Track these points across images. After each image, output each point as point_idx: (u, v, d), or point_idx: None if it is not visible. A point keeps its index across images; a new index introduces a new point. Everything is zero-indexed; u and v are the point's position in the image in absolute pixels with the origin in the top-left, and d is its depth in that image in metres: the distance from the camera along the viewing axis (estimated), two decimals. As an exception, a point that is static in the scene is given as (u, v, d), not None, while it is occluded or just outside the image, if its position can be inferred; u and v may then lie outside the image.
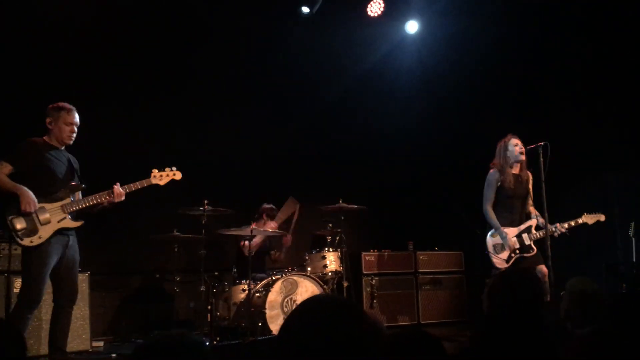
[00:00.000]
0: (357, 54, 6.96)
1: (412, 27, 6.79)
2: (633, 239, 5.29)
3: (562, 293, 2.71)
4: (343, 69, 7.01)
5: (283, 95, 6.86)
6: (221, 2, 6.21)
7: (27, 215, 3.58)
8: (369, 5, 6.54)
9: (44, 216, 3.64)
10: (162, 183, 4.10)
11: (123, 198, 3.91)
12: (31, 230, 3.60)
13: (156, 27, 6.05)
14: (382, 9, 6.54)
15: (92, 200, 3.84)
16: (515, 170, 4.79)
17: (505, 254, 4.71)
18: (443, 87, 7.31)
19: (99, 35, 5.75)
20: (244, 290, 5.14)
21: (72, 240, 3.84)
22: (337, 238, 5.82)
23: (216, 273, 5.59)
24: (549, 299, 3.95)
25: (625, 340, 1.51)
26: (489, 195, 4.80)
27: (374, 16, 6.58)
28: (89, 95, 5.50)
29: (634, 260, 5.26)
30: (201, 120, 6.36)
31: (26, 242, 3.58)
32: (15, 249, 4.54)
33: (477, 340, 2.04)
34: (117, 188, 3.87)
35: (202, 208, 5.09)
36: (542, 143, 4.36)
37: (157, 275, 5.95)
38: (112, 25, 5.80)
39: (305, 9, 6.44)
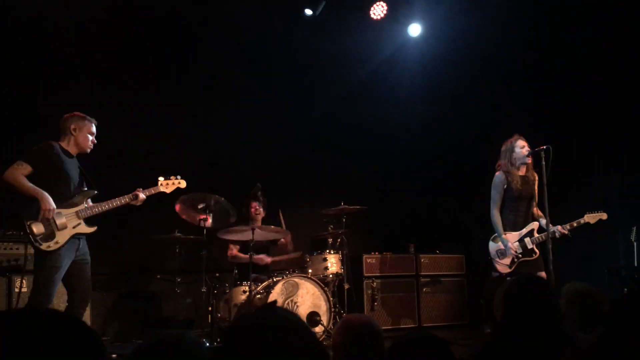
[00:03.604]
0: (359, 56, 6.96)
1: (415, 29, 6.79)
2: (635, 243, 5.27)
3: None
4: (346, 71, 7.01)
5: (285, 97, 6.87)
6: (225, 4, 6.22)
7: (45, 220, 3.60)
8: (372, 8, 6.54)
9: (61, 221, 3.66)
10: (168, 191, 4.27)
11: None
12: (48, 235, 3.61)
13: (160, 29, 6.06)
14: (385, 12, 6.54)
15: (113, 203, 3.93)
16: (522, 171, 4.74)
17: (507, 260, 4.69)
18: (446, 90, 7.31)
19: (102, 36, 5.77)
20: (244, 291, 5.13)
21: (83, 243, 3.87)
22: (339, 240, 5.82)
23: (217, 274, 5.60)
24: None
25: (632, 345, 1.50)
26: (496, 197, 4.75)
27: (377, 19, 6.58)
28: (93, 97, 5.52)
29: (636, 264, 5.24)
30: (203, 121, 6.37)
31: (44, 246, 3.59)
32: (17, 249, 4.56)
33: (493, 345, 2.03)
34: (141, 193, 4.04)
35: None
36: (544, 147, 4.33)
37: (158, 276, 5.95)
38: (116, 27, 5.81)
39: (309, 11, 6.44)
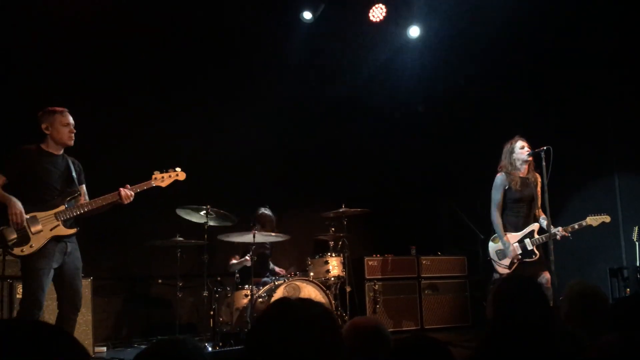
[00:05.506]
0: (359, 58, 6.97)
1: (414, 32, 6.80)
2: (637, 243, 5.26)
3: (561, 297, 2.69)
4: (345, 74, 7.02)
5: (285, 100, 6.87)
6: (224, 6, 6.23)
7: (15, 225, 3.54)
8: (371, 10, 6.55)
9: (35, 226, 3.59)
10: (163, 185, 4.02)
11: (131, 199, 3.85)
12: (22, 240, 3.56)
13: (158, 30, 6.06)
14: (384, 14, 6.54)
15: (96, 203, 3.78)
16: (523, 172, 4.73)
17: (507, 260, 4.68)
18: (446, 91, 7.31)
19: (101, 36, 5.78)
20: (246, 295, 5.13)
21: (71, 247, 3.78)
22: (340, 243, 5.82)
23: (219, 278, 5.59)
24: (551, 304, 3.91)
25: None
26: (496, 198, 4.74)
27: (376, 21, 6.58)
28: (90, 97, 5.54)
29: (638, 264, 5.23)
30: (203, 125, 6.37)
31: (17, 251, 3.55)
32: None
33: (485, 347, 2.02)
34: (124, 190, 3.81)
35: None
36: (544, 147, 4.32)
37: (160, 281, 5.95)
38: (114, 26, 5.81)
39: (308, 14, 6.45)
